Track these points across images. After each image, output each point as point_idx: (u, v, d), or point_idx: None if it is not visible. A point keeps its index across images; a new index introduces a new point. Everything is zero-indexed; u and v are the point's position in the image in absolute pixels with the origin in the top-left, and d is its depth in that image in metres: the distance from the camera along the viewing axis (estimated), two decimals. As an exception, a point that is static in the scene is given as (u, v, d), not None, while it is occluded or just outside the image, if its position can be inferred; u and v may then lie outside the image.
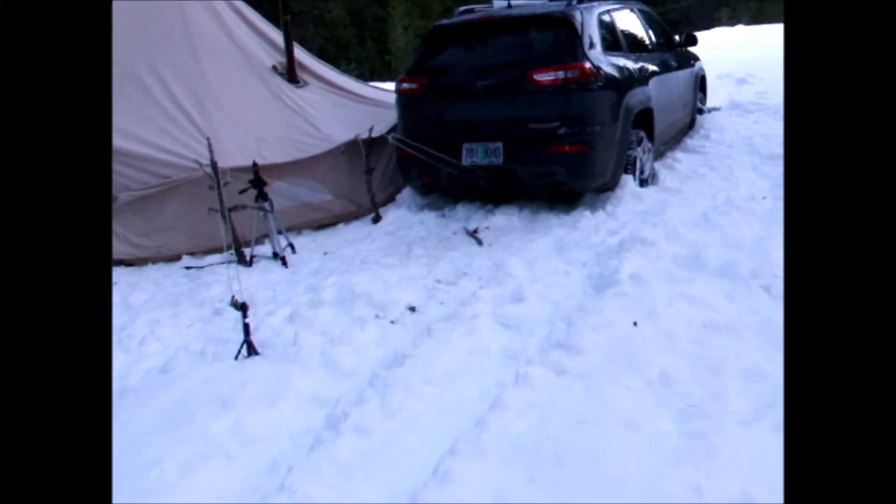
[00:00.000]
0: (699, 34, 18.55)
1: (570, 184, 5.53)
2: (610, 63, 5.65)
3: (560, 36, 5.54)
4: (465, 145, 5.67)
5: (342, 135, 6.37)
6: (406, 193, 6.47)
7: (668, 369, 3.17)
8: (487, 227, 5.56)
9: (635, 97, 5.83)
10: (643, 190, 5.77)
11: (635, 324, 3.51)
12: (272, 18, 7.32)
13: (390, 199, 6.66)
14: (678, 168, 6.53)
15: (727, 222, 4.80)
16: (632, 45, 6.44)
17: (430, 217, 5.97)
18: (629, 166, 5.77)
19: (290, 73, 6.99)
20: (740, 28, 21.24)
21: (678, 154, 7.09)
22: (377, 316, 4.11)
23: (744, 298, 3.84)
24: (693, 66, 8.17)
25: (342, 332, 3.90)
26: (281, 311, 4.29)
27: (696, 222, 4.85)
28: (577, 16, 5.61)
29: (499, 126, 5.55)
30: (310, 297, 4.41)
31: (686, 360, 3.26)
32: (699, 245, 4.38)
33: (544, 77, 5.33)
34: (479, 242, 5.26)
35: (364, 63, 39.03)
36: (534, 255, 4.69)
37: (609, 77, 5.52)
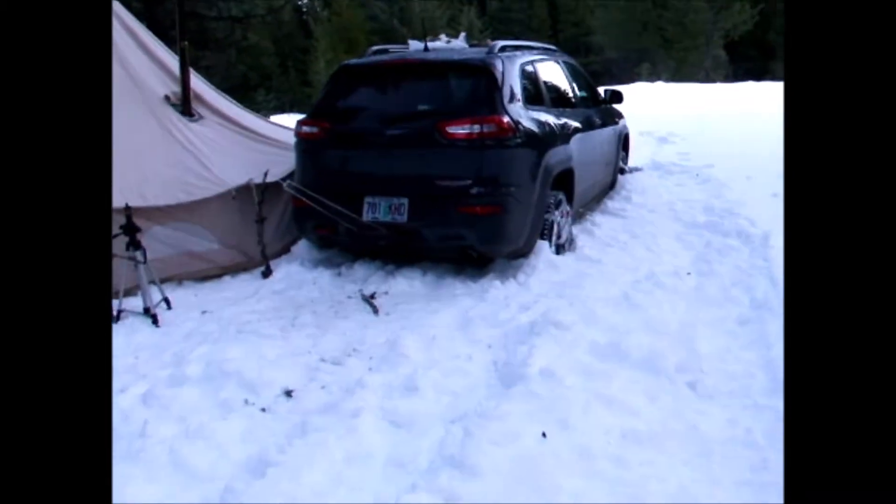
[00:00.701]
0: (620, 87, 18.71)
1: (479, 249, 5.01)
2: (531, 118, 5.19)
3: (478, 85, 5.05)
4: (367, 199, 5.10)
5: (236, 177, 5.71)
6: (302, 245, 5.84)
7: (583, 497, 2.63)
8: (386, 292, 4.97)
9: (556, 156, 5.38)
10: (560, 258, 5.29)
11: (544, 435, 2.96)
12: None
13: (285, 251, 6.01)
14: (597, 233, 6.09)
15: (650, 302, 4.36)
16: (555, 99, 6.02)
17: (324, 275, 5.34)
18: (545, 231, 5.29)
19: (185, 104, 6.29)
20: (660, 84, 21.55)
21: (598, 217, 6.68)
22: (246, 401, 3.47)
23: (667, 398, 3.37)
24: (617, 123, 7.84)
25: (203, 421, 3.25)
26: (136, 388, 3.61)
27: (616, 301, 4.38)
28: (498, 65, 5.14)
29: (405, 180, 5.01)
30: (173, 372, 3.74)
31: (603, 483, 2.74)
32: (619, 330, 3.90)
33: (457, 130, 4.81)
34: (376, 311, 4.66)
35: (285, 94, 38.37)
36: (434, 332, 4.12)
37: (529, 133, 5.05)
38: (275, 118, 12.56)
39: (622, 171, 8.16)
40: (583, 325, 3.95)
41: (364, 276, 5.28)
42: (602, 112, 7.23)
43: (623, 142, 8.15)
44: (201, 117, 6.42)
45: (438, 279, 5.15)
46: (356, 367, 3.80)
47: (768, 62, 33.92)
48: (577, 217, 6.38)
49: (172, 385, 3.61)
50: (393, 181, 5.05)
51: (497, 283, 4.88)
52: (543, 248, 5.23)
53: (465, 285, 4.99)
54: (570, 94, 6.50)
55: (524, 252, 5.16)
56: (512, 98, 5.10)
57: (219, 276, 5.61)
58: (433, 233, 4.98)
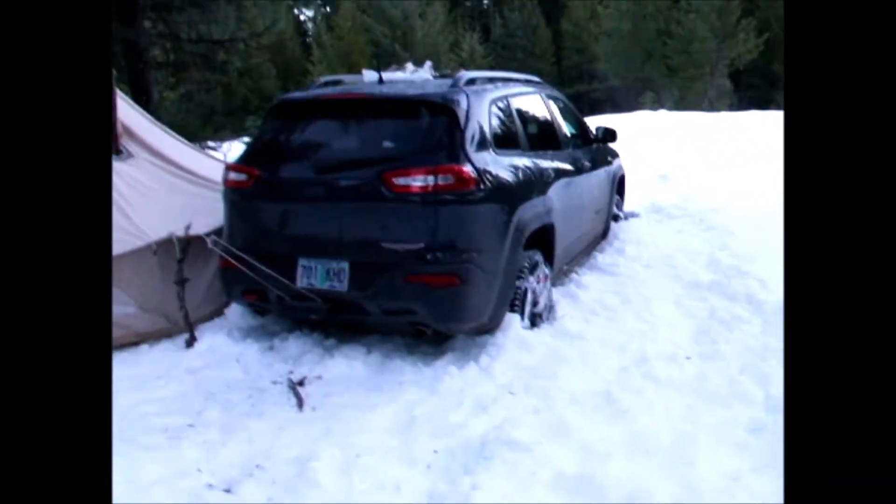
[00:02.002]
0: (622, 116, 17.94)
1: (433, 326, 4.14)
2: (501, 165, 4.34)
3: (435, 127, 4.20)
4: (302, 261, 4.25)
5: (161, 228, 4.87)
6: (235, 309, 4.96)
7: None
8: (320, 377, 4.09)
9: (531, 210, 4.53)
10: (533, 334, 4.40)
11: None
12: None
13: (218, 314, 5.13)
14: (582, 298, 5.20)
15: (638, 405, 3.48)
16: (534, 140, 5.16)
17: (252, 350, 4.46)
18: (516, 302, 4.42)
19: (112, 140, 5.47)
20: (663, 113, 20.81)
21: (585, 275, 5.80)
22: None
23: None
24: (611, 163, 6.97)
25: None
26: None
27: (595, 403, 3.50)
28: (462, 101, 4.29)
29: (346, 241, 4.15)
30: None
31: None
32: (595, 451, 3.02)
33: (406, 182, 3.96)
34: (300, 404, 3.78)
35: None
36: (363, 443, 3.24)
37: (497, 184, 4.19)
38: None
39: (616, 219, 7.28)
40: (548, 443, 3.06)
41: (298, 354, 4.40)
42: (593, 152, 6.37)
43: (618, 184, 7.27)
44: (130, 155, 5.58)
45: (384, 360, 4.28)
46: (250, 498, 2.92)
47: (772, 91, 33.17)
48: (560, 275, 5.51)
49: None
50: (332, 241, 4.19)
51: (453, 368, 3.99)
52: (513, 322, 4.35)
53: (416, 369, 4.11)
54: (555, 134, 5.64)
55: (489, 328, 4.29)
56: (478, 141, 4.25)
57: (136, 343, 4.76)
58: (377, 305, 4.11)
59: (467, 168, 4.01)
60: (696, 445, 3.12)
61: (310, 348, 4.44)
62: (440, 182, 3.94)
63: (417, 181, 3.95)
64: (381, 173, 3.99)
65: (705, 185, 9.59)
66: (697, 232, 7.43)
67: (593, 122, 11.07)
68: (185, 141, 6.60)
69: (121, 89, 14.76)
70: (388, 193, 3.98)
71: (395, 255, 4.01)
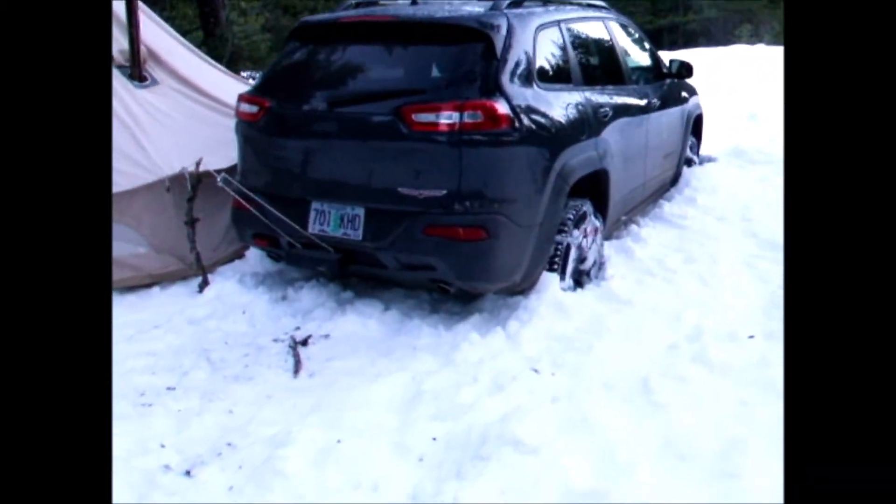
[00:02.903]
0: (716, 50, 16.70)
1: (456, 284, 3.64)
2: (545, 102, 3.74)
3: (467, 56, 3.62)
4: (315, 205, 3.78)
5: (177, 163, 4.47)
6: (256, 252, 4.55)
7: None
8: (327, 335, 3.67)
9: (581, 153, 3.93)
10: (573, 297, 3.85)
11: None
12: None
13: (238, 255, 4.75)
14: (639, 254, 4.59)
15: (680, 397, 2.91)
16: (591, 74, 4.51)
17: (262, 300, 4.05)
18: (556, 259, 3.86)
19: (134, 66, 5.08)
20: (761, 47, 19.33)
21: (646, 227, 5.16)
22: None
23: None
24: (686, 102, 6.21)
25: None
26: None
27: (628, 392, 2.95)
28: (501, 27, 3.69)
29: (362, 184, 3.65)
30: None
31: None
32: (616, 459, 2.49)
33: (428, 118, 3.41)
34: (297, 368, 3.37)
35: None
36: (354, 423, 2.79)
37: (538, 124, 3.61)
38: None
39: (689, 163, 6.54)
40: (562, 443, 2.54)
41: (310, 307, 3.97)
42: (664, 89, 5.64)
43: (694, 125, 6.49)
44: (155, 82, 5.19)
45: (403, 319, 3.81)
46: (209, 485, 2.52)
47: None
48: (616, 227, 4.90)
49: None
50: (347, 183, 3.71)
51: (475, 335, 3.49)
52: (551, 282, 3.80)
53: (435, 332, 3.63)
54: (618, 67, 4.94)
55: (522, 289, 3.76)
56: (518, 74, 3.66)
57: (149, 286, 4.43)
58: (394, 259, 3.62)
59: (500, 104, 3.43)
60: (746, 453, 2.55)
61: (324, 300, 4.01)
62: (467, 119, 3.38)
63: (441, 118, 3.40)
64: (400, 108, 3.45)
65: (797, 128, 8.65)
66: (781, 182, 6.61)
67: (685, 56, 10.22)
68: (223, 68, 6.18)
69: (188, 10, 14.34)
70: (406, 131, 3.45)
71: (413, 203, 3.50)
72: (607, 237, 4.63)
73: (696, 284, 4.24)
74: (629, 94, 4.86)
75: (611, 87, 4.65)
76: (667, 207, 5.62)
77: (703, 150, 7.11)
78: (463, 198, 3.43)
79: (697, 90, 6.62)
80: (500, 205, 3.47)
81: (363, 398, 3.00)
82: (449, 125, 3.39)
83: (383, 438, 2.72)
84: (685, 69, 5.86)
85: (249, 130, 4.02)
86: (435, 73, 3.65)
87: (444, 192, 3.44)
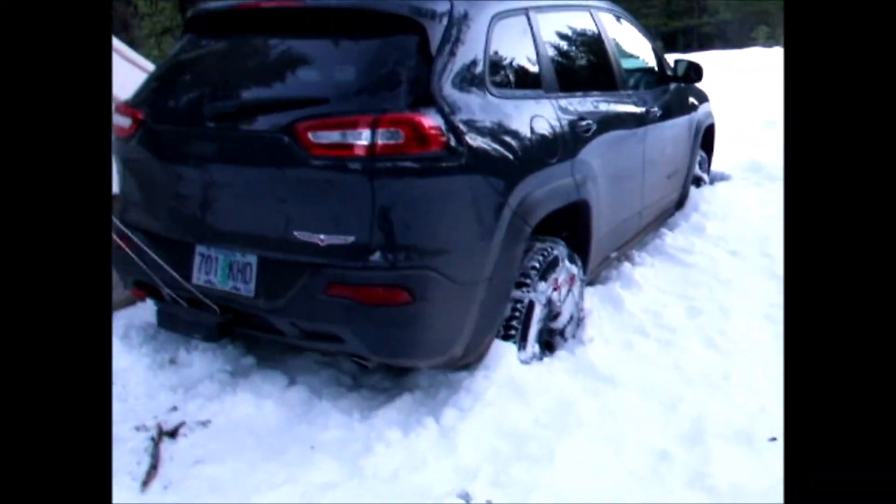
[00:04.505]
0: (732, 52, 15.74)
1: (373, 359, 2.72)
2: (498, 113, 2.83)
3: (391, 52, 2.70)
4: (200, 248, 2.88)
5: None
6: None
7: None
8: (206, 423, 2.76)
9: (548, 181, 3.01)
10: (535, 373, 2.90)
11: None
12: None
13: (133, 300, 3.85)
14: (630, 305, 3.65)
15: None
16: (570, 77, 3.59)
17: (141, 366, 3.15)
18: (513, 323, 2.93)
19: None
20: (777, 50, 18.33)
21: (640, 266, 4.21)
22: None
23: None
24: (694, 110, 5.25)
25: None
26: None
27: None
28: (441, 15, 2.78)
29: (251, 223, 2.75)
30: None
31: None
32: None
33: (328, 137, 2.50)
34: (147, 478, 2.47)
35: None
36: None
37: (486, 143, 2.70)
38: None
39: (698, 182, 5.59)
40: None
41: (199, 376, 3.08)
42: (668, 95, 4.70)
43: (704, 137, 5.52)
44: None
45: (309, 399, 2.90)
46: None
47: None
48: (604, 267, 3.97)
49: None
50: (234, 223, 2.80)
51: (397, 430, 2.58)
52: (506, 353, 2.87)
53: (345, 421, 2.72)
54: (608, 69, 3.99)
55: (466, 363, 2.83)
56: (464, 77, 2.74)
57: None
58: (291, 324, 2.71)
59: (429, 118, 2.50)
60: None
61: (217, 369, 3.10)
62: (382, 140, 2.45)
63: (347, 137, 2.48)
64: (294, 123, 2.53)
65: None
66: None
67: (699, 59, 9.22)
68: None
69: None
70: (302, 155, 2.53)
71: (313, 252, 2.58)
72: (591, 282, 3.70)
73: (702, 348, 3.31)
74: (622, 102, 3.93)
75: (597, 93, 3.72)
76: (669, 238, 4.66)
77: (715, 166, 6.14)
78: (378, 247, 2.51)
79: (709, 96, 5.66)
80: (430, 256, 2.55)
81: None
82: (359, 147, 2.47)
83: None
84: (693, 71, 4.90)
85: (124, 149, 3.11)
86: (345, 75, 2.73)
87: (353, 238, 2.52)
